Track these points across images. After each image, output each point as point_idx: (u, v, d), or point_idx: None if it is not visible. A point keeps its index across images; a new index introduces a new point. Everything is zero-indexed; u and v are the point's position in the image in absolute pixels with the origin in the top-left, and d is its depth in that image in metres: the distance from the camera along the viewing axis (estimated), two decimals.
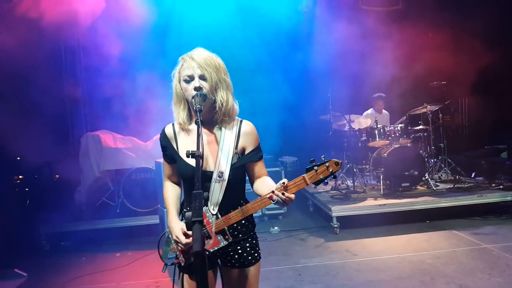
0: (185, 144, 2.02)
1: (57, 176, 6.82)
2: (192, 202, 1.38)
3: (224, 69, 1.98)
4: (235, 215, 1.92)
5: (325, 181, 1.87)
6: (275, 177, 6.29)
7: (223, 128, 2.00)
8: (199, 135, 1.71)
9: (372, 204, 5.65)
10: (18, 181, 6.39)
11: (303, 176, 1.84)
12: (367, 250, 4.87)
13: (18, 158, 6.12)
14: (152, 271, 4.62)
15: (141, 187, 5.99)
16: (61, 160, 6.55)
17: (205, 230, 1.94)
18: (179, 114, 2.01)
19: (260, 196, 1.93)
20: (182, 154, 2.00)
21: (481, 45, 7.14)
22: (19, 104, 5.66)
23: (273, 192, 1.81)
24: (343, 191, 6.24)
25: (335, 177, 1.87)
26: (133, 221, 5.82)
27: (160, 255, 2.08)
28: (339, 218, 5.55)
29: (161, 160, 5.19)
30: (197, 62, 1.89)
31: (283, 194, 1.79)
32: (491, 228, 5.36)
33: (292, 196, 1.81)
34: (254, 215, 2.10)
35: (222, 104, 1.94)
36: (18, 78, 5.51)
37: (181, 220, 2.04)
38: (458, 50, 7.35)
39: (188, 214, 1.40)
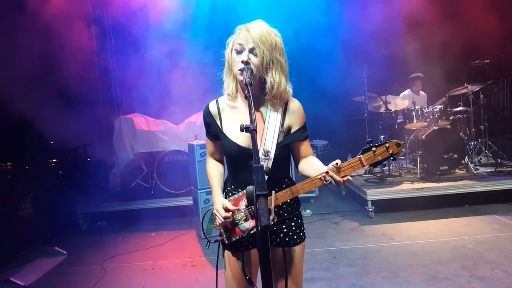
0: (229, 121, 1.96)
1: (88, 159, 6.95)
2: (254, 176, 1.31)
3: (281, 48, 1.87)
4: (283, 195, 1.86)
5: (383, 163, 1.76)
6: None
7: (269, 106, 1.93)
8: (251, 109, 1.63)
9: (409, 188, 5.48)
10: (53, 164, 6.56)
11: (360, 157, 1.74)
12: (404, 234, 4.74)
13: (52, 142, 6.26)
14: (187, 250, 4.68)
15: (174, 169, 6.04)
16: (94, 143, 6.69)
17: (250, 209, 1.90)
18: (229, 84, 1.97)
19: (307, 176, 1.87)
20: (227, 131, 1.95)
21: None
22: (51, 89, 5.76)
23: (327, 173, 1.73)
24: (378, 175, 6.07)
25: (394, 159, 1.76)
26: (167, 202, 5.88)
27: (203, 232, 2.05)
28: (373, 202, 5.43)
29: (194, 142, 5.22)
30: (252, 35, 1.80)
31: (338, 175, 1.72)
32: None
33: (348, 177, 1.73)
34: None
35: (272, 86, 1.85)
36: (50, 62, 5.60)
37: (225, 198, 2.01)
38: (500, 27, 6.93)
39: (250, 188, 1.33)
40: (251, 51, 1.81)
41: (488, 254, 4.00)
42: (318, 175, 1.76)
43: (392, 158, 1.74)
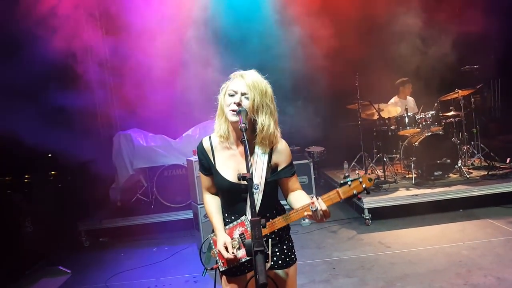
0: (221, 158, 2.11)
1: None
2: (252, 230, 1.42)
3: (271, 96, 2.04)
4: (279, 222, 1.98)
5: (358, 196, 1.91)
6: (304, 170, 6.23)
7: (258, 145, 2.06)
8: (247, 156, 1.77)
9: (404, 195, 5.61)
10: (51, 178, 6.58)
11: (337, 190, 1.90)
12: (400, 242, 4.86)
13: (50, 155, 6.30)
14: (189, 265, 4.77)
15: (173, 183, 6.15)
16: (93, 158, 6.73)
17: (243, 238, 2.03)
18: (221, 126, 2.09)
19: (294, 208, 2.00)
20: (219, 168, 2.10)
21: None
22: (50, 105, 5.81)
23: (317, 198, 1.88)
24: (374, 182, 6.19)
25: (368, 192, 1.91)
26: (167, 217, 5.98)
27: (201, 260, 2.17)
28: (370, 210, 5.55)
29: (192, 158, 5.29)
30: (245, 81, 1.97)
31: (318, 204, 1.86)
32: None
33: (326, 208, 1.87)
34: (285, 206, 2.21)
35: (263, 127, 1.99)
36: (48, 79, 5.66)
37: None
38: (487, 29, 7.08)
39: (248, 242, 1.44)
40: (244, 94, 1.97)
41: (482, 261, 4.11)
42: (306, 205, 1.91)
43: (366, 192, 1.90)
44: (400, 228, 5.31)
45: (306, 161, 6.52)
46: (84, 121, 6.61)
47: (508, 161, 6.58)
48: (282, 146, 2.11)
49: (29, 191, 5.64)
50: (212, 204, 2.22)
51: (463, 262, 4.13)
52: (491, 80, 8.56)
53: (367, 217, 5.52)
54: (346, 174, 6.63)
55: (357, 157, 6.91)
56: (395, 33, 6.69)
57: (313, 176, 6.55)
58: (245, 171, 1.80)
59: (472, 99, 6.61)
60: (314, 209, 1.86)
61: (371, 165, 6.67)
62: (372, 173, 6.65)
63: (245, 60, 5.76)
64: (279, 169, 2.10)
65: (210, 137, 2.17)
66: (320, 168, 7.88)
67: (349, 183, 1.87)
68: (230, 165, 2.07)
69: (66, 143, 5.73)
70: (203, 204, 5.28)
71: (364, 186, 1.86)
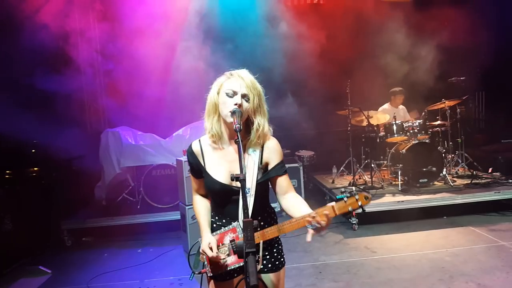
0: (212, 160, 2.08)
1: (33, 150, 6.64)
2: (244, 231, 1.42)
3: (263, 95, 2.06)
4: (271, 232, 1.94)
5: (353, 214, 1.89)
6: (294, 174, 6.24)
7: (250, 146, 2.05)
8: (240, 156, 1.75)
9: (390, 201, 5.69)
10: (34, 174, 6.43)
11: (332, 205, 1.86)
12: (386, 247, 4.91)
13: (33, 151, 6.15)
14: (174, 268, 4.71)
15: (161, 184, 6.07)
16: (79, 156, 6.61)
17: (233, 245, 1.99)
18: (213, 125, 2.04)
19: (291, 216, 1.96)
20: (209, 170, 2.07)
21: (497, 37, 7.08)
22: (35, 99, 5.67)
23: (313, 217, 1.82)
24: (361, 187, 6.26)
25: (363, 210, 1.88)
26: (154, 217, 5.89)
27: (189, 264, 2.15)
28: (357, 215, 5.58)
29: (182, 158, 5.25)
30: (245, 81, 1.96)
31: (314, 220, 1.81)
32: (508, 224, 5.39)
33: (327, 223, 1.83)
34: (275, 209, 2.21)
35: (259, 127, 2.00)
36: (33, 65, 5.52)
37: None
38: (475, 43, 7.28)
39: (240, 243, 1.43)
40: (244, 96, 1.96)
41: (464, 267, 4.20)
42: (304, 217, 1.86)
43: (362, 210, 1.87)
44: (386, 234, 5.38)
45: (296, 164, 6.54)
46: (72, 114, 6.45)
47: (490, 170, 6.76)
48: (273, 143, 2.11)
49: (11, 187, 5.50)
50: (201, 205, 2.20)
51: (446, 268, 4.21)
52: (476, 92, 8.80)
53: (354, 222, 5.57)
54: (341, 187, 6.61)
55: (346, 162, 6.98)
56: (385, 43, 6.82)
57: (302, 180, 6.59)
58: (237, 172, 1.77)
59: (458, 110, 6.79)
60: (314, 227, 1.82)
61: (359, 170, 6.74)
62: (360, 178, 6.74)
63: (237, 60, 5.78)
64: (270, 167, 2.08)
65: (199, 140, 2.14)
66: (310, 172, 7.93)
67: (345, 199, 1.84)
68: (221, 167, 2.04)
69: (52, 137, 5.61)
70: (191, 205, 5.24)
71: (360, 203, 1.83)
